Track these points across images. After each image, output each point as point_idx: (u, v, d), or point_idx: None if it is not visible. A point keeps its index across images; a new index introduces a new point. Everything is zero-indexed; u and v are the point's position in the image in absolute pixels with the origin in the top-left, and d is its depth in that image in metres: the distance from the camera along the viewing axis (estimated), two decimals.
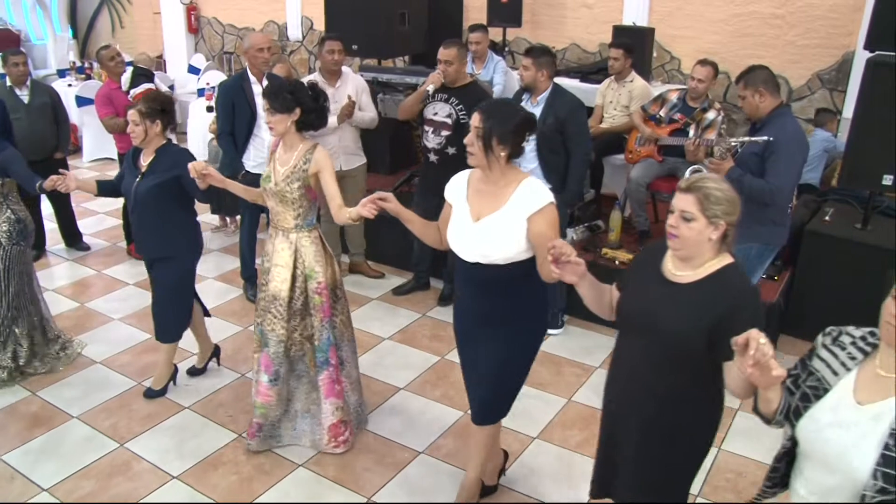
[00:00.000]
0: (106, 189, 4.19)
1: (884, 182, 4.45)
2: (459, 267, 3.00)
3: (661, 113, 5.35)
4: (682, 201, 2.29)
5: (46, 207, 6.21)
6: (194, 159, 3.74)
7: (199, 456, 3.79)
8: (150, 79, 6.35)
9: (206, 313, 4.50)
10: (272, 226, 3.65)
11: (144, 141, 3.90)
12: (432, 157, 5.03)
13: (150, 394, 4.27)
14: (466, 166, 4.94)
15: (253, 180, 4.94)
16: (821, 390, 2.01)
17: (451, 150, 4.95)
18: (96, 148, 8.97)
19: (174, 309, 4.17)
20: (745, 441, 3.92)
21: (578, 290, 2.56)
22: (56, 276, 5.92)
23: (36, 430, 3.97)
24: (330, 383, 3.71)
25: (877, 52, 4.62)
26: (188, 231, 4.13)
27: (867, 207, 4.75)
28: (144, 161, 3.95)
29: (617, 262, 5.06)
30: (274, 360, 3.65)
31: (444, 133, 4.95)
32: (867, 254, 4.59)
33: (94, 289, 5.66)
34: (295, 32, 9.83)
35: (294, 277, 3.57)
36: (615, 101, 5.88)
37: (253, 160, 5.17)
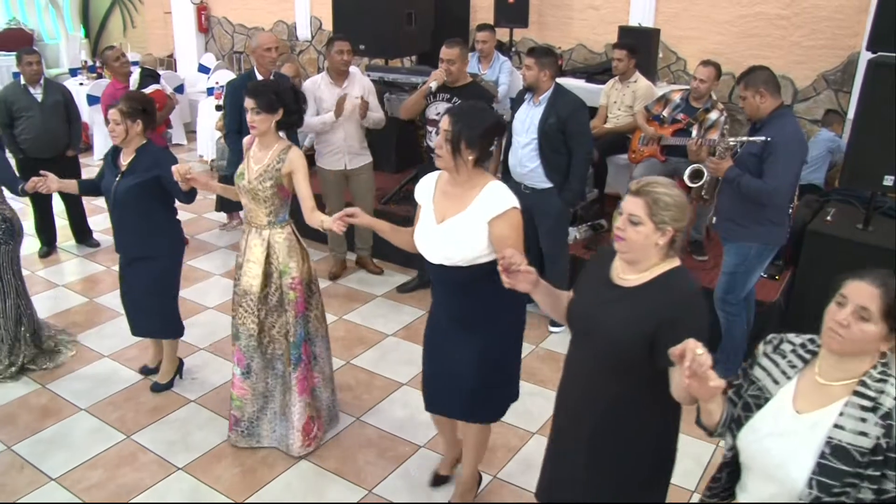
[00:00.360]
0: (87, 188, 4.22)
1: (885, 182, 4.47)
2: (428, 267, 3.02)
3: (665, 113, 5.39)
4: (631, 204, 2.24)
5: (58, 205, 6.31)
6: (175, 159, 3.77)
7: (204, 448, 3.86)
8: (157, 79, 6.45)
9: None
10: (246, 222, 3.70)
11: (125, 140, 3.93)
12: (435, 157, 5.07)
13: (157, 387, 4.34)
14: None
15: None
16: (762, 399, 2.02)
17: None
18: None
19: (160, 307, 4.18)
20: None
21: (534, 297, 2.52)
22: (66, 271, 6.01)
23: (45, 422, 4.05)
24: (301, 380, 3.74)
25: (879, 54, 4.64)
26: (168, 231, 4.14)
27: (868, 208, 4.77)
28: (124, 160, 3.97)
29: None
30: (245, 354, 3.69)
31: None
32: (868, 254, 4.60)
33: (103, 284, 5.74)
34: (304, 32, 9.91)
35: (268, 273, 3.61)
36: (619, 102, 5.92)
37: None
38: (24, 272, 5.83)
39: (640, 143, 5.47)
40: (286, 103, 3.49)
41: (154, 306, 4.17)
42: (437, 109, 5.01)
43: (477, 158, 2.83)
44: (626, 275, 2.32)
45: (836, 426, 1.84)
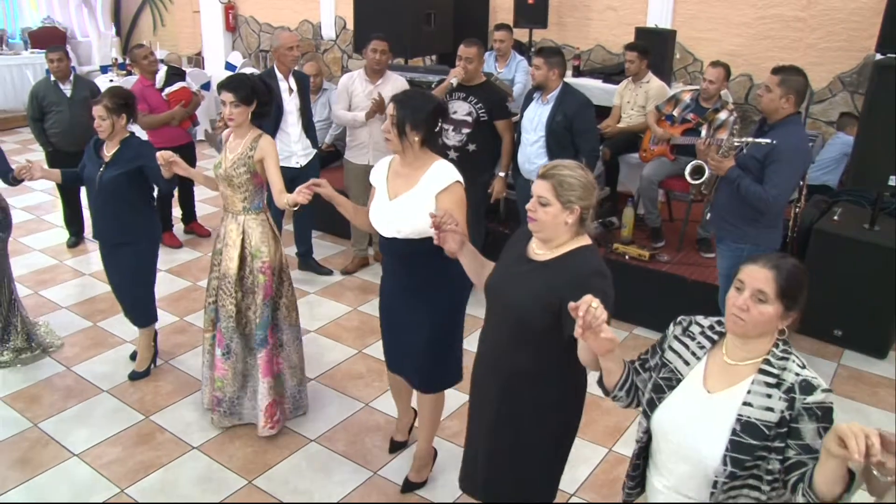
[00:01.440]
0: (69, 178, 4.43)
1: (890, 182, 4.53)
2: (381, 241, 3.29)
3: (675, 113, 5.47)
4: (539, 187, 2.41)
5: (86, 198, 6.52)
6: (155, 151, 3.98)
7: (218, 429, 4.02)
8: (183, 77, 6.60)
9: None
10: (224, 209, 3.91)
11: (111, 134, 4.15)
12: (452, 155, 5.19)
13: (134, 376, 4.49)
14: (486, 162, 5.18)
15: None
16: (674, 381, 2.10)
17: (471, 147, 5.12)
18: None
19: (141, 293, 4.40)
20: None
21: (460, 259, 2.75)
22: (93, 261, 6.21)
23: (69, 402, 4.24)
24: (266, 363, 3.89)
25: (887, 55, 4.70)
26: (147, 218, 4.35)
27: (874, 208, 4.82)
28: (108, 152, 4.18)
29: (627, 258, 5.20)
30: (225, 335, 3.87)
31: (465, 131, 5.12)
32: (874, 253, 4.66)
33: None
34: (329, 31, 10.09)
35: (242, 257, 3.81)
36: (632, 102, 6.01)
37: (279, 154, 5.37)
38: (53, 261, 6.11)
39: (651, 143, 5.56)
40: (260, 96, 3.74)
41: (133, 291, 4.38)
42: (454, 108, 5.13)
43: (423, 139, 3.10)
44: (539, 250, 2.49)
45: (744, 403, 1.95)
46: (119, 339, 4.89)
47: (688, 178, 4.50)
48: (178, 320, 5.17)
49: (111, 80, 9.66)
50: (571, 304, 1.95)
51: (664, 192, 5.86)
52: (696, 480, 2.01)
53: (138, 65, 6.21)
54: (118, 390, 4.36)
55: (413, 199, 3.11)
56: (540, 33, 8.07)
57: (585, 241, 2.47)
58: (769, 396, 1.93)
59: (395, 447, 3.91)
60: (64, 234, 6.56)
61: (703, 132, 5.13)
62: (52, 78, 6.05)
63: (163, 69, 6.41)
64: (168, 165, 3.79)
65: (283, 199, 3.64)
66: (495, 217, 6.05)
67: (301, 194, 3.31)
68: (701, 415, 2.00)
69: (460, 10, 7.48)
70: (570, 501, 3.56)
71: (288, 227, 6.03)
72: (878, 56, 4.86)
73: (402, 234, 3.14)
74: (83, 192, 6.28)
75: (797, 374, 1.93)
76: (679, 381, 2.09)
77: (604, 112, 6.21)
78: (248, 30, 11.01)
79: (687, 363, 2.11)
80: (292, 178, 4.85)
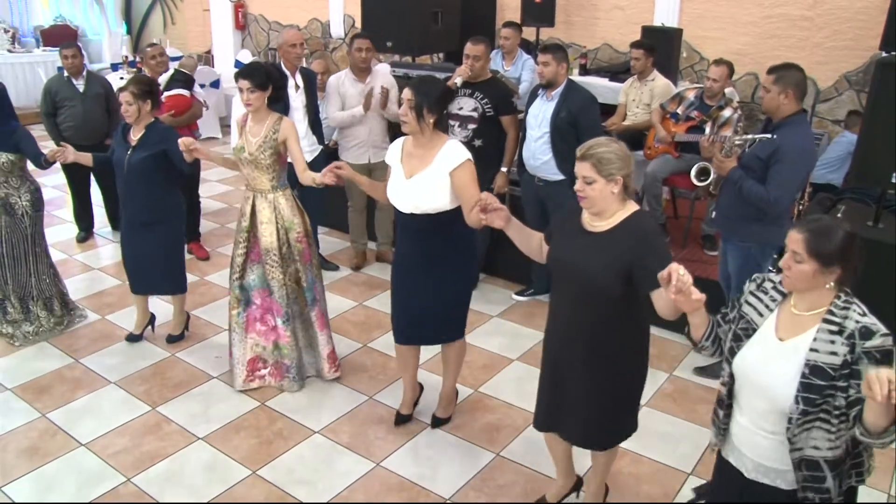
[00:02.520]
0: (100, 162, 4.70)
1: (893, 180, 4.52)
2: (398, 217, 3.61)
3: (679, 110, 5.50)
4: (581, 168, 2.68)
5: (96, 194, 6.58)
6: (179, 136, 4.21)
7: (224, 420, 4.07)
8: (189, 86, 6.34)
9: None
10: (249, 189, 4.16)
11: (138, 119, 4.37)
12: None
13: (172, 339, 4.87)
14: (492, 158, 5.21)
15: None
16: (750, 331, 2.36)
17: (477, 143, 5.16)
18: None
19: (172, 265, 4.69)
20: None
21: (508, 233, 3.02)
22: (102, 255, 6.30)
23: (78, 393, 4.30)
24: (321, 316, 4.36)
25: (892, 53, 4.70)
26: (172, 197, 4.62)
27: (878, 205, 4.82)
28: (134, 136, 4.42)
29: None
30: (282, 303, 4.20)
31: (471, 126, 5.16)
32: (878, 250, 4.65)
33: None
34: (337, 30, 10.15)
35: (278, 231, 4.08)
36: (637, 100, 6.03)
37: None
38: (63, 256, 6.18)
39: (655, 140, 5.58)
40: (274, 81, 4.04)
41: (167, 265, 4.63)
42: (460, 104, 5.17)
43: (436, 120, 3.41)
44: (594, 223, 2.76)
45: (811, 349, 2.18)
46: (127, 331, 4.94)
47: (694, 180, 4.52)
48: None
49: (121, 78, 9.70)
50: (661, 274, 2.26)
51: (668, 189, 5.89)
52: (774, 416, 2.27)
53: (146, 63, 6.18)
54: (126, 382, 4.42)
55: (429, 177, 3.42)
56: (547, 32, 8.10)
57: (634, 207, 2.75)
58: (833, 342, 2.16)
59: (401, 420, 4.08)
60: (74, 230, 6.64)
61: (707, 129, 5.16)
62: (66, 74, 6.12)
63: (167, 73, 6.27)
64: (189, 152, 4.04)
65: (307, 176, 3.97)
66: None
67: (327, 176, 3.64)
68: (774, 359, 2.26)
69: (468, 8, 7.51)
70: (576, 502, 3.59)
71: None
72: (883, 54, 4.85)
73: (420, 209, 3.45)
74: (93, 187, 6.43)
75: (857, 322, 2.15)
76: (755, 330, 2.35)
77: (610, 110, 6.23)
78: (258, 28, 11.08)
79: (761, 314, 2.36)
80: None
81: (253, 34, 11.18)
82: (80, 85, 6.12)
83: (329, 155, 6.42)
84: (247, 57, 10.73)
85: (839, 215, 4.95)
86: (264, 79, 3.94)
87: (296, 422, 4.08)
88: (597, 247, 2.71)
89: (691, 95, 5.51)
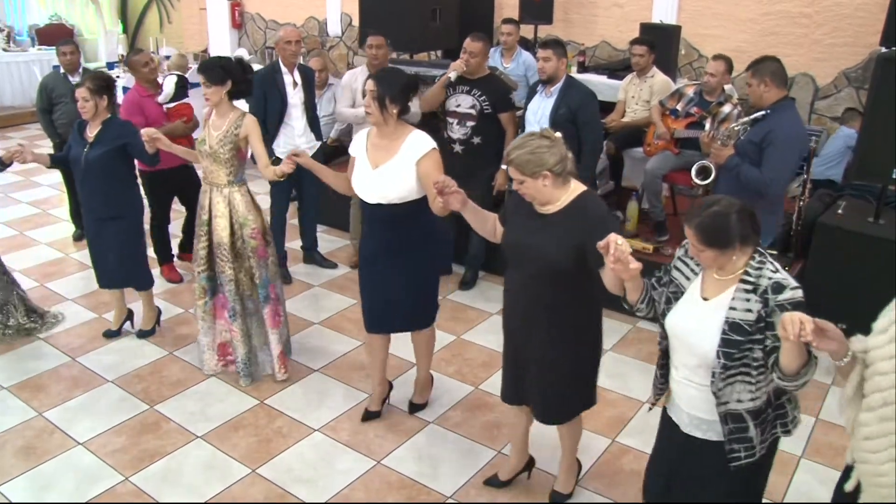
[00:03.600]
0: (57, 161, 4.64)
1: (894, 176, 4.51)
2: (364, 207, 3.64)
3: (679, 107, 5.47)
4: (511, 172, 2.83)
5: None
6: (137, 130, 4.28)
7: (223, 419, 4.04)
8: (186, 91, 5.95)
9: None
10: (206, 183, 4.16)
11: (94, 115, 4.34)
12: (457, 148, 5.21)
13: (142, 334, 4.88)
14: (491, 155, 5.19)
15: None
16: (679, 293, 2.54)
17: (476, 140, 5.14)
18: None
19: (133, 259, 4.66)
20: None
21: (464, 215, 3.15)
22: None
23: (75, 392, 4.27)
24: (273, 315, 4.31)
25: (892, 49, 4.68)
26: (132, 193, 4.62)
27: (879, 201, 4.81)
28: (91, 133, 4.39)
29: (631, 251, 5.18)
30: (230, 298, 4.22)
31: (470, 124, 5.13)
32: (878, 246, 4.65)
33: None
34: (335, 28, 10.12)
35: (231, 225, 4.09)
36: (637, 96, 6.01)
37: (283, 147, 5.40)
38: (59, 254, 6.15)
39: (655, 137, 5.56)
40: (233, 75, 3.99)
41: (127, 260, 4.63)
42: (458, 101, 5.15)
43: (400, 111, 3.45)
44: (544, 208, 2.89)
45: (730, 308, 2.36)
46: (126, 330, 4.91)
47: (695, 179, 4.50)
48: (182, 312, 5.19)
49: (118, 77, 9.69)
50: (600, 244, 2.40)
51: (668, 185, 5.87)
52: (702, 370, 2.45)
53: (137, 72, 5.50)
54: (123, 380, 4.38)
55: (395, 167, 3.46)
56: (545, 29, 8.08)
57: (580, 188, 2.89)
58: (748, 300, 2.33)
59: (369, 416, 4.07)
60: (70, 228, 6.59)
61: (707, 126, 5.13)
62: (62, 70, 6.09)
63: (171, 81, 5.78)
64: (151, 142, 4.08)
65: (269, 172, 4.02)
66: (499, 210, 6.05)
67: (286, 164, 3.75)
68: (699, 318, 2.43)
69: (466, 5, 7.50)
70: (575, 501, 3.57)
71: (293, 221, 6.05)
72: (883, 49, 4.84)
73: (387, 199, 3.48)
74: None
75: (770, 279, 2.32)
76: (683, 292, 2.53)
77: (608, 107, 6.21)
78: (255, 27, 11.05)
79: (688, 278, 2.54)
80: (297, 170, 4.83)
81: (250, 33, 11.14)
82: (75, 82, 6.07)
83: (329, 153, 6.40)
84: (243, 56, 10.69)
85: (839, 211, 4.95)
86: (219, 73, 3.93)
87: (295, 420, 4.05)
88: (549, 227, 2.85)
89: (691, 92, 5.48)
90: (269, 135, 5.39)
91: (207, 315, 4.33)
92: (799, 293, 2.29)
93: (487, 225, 3.19)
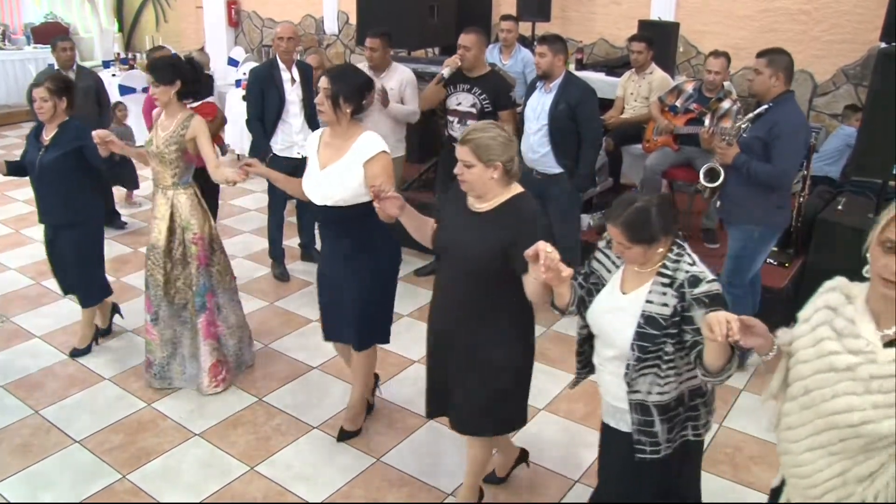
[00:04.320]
0: (13, 168, 4.44)
1: (894, 171, 4.50)
2: (315, 209, 3.51)
3: (678, 103, 5.46)
4: (461, 152, 2.72)
5: None
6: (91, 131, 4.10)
7: (221, 416, 4.01)
8: (211, 89, 6.07)
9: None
10: (154, 184, 4.07)
11: (52, 116, 4.21)
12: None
13: (76, 353, 4.59)
14: None
15: (280, 163, 5.17)
16: (600, 285, 2.56)
17: None
18: (136, 133, 9.27)
19: (86, 273, 4.47)
20: (745, 419, 4.03)
21: (402, 221, 3.04)
22: None
23: (71, 390, 4.24)
24: (206, 326, 4.15)
25: (892, 44, 4.67)
26: (89, 199, 4.40)
27: (879, 197, 4.80)
28: (47, 136, 4.25)
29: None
30: (153, 302, 4.11)
31: (470, 122, 5.07)
32: None
33: (130, 265, 5.94)
34: (331, 26, 10.08)
35: (172, 230, 4.00)
36: (636, 93, 6.00)
37: (280, 144, 5.38)
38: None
39: (654, 133, 5.54)
40: (183, 75, 3.91)
41: (78, 272, 4.44)
42: (458, 99, 5.11)
43: (353, 111, 3.35)
44: (477, 204, 2.82)
45: (647, 301, 2.38)
46: (121, 327, 4.89)
47: (703, 181, 4.47)
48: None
49: (113, 75, 9.66)
50: (528, 252, 2.31)
51: (668, 182, 5.85)
52: (618, 361, 2.48)
53: None
54: (120, 378, 4.35)
55: (342, 168, 3.33)
56: (543, 27, 8.04)
57: (517, 189, 2.82)
58: (664, 294, 2.35)
59: (345, 436, 3.87)
60: None
61: (707, 122, 5.12)
62: (56, 67, 6.06)
63: None
64: (104, 145, 3.92)
65: (220, 174, 3.88)
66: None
67: (236, 173, 3.64)
68: (617, 311, 2.45)
69: (464, 2, 7.48)
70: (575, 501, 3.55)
71: (291, 219, 6.01)
72: (883, 45, 4.83)
73: (332, 201, 3.36)
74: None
75: (686, 272, 2.34)
76: (604, 285, 2.54)
77: (606, 104, 6.19)
78: (251, 25, 11.01)
79: (609, 271, 2.55)
80: (294, 168, 4.81)
81: (246, 31, 11.10)
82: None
83: None
84: (240, 54, 10.66)
85: (839, 207, 4.93)
86: (168, 73, 3.84)
87: (294, 417, 4.02)
88: (477, 227, 2.79)
89: (690, 88, 5.48)
90: (267, 132, 5.37)
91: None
92: (715, 286, 2.31)
93: (427, 230, 3.09)
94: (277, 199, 5.67)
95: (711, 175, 4.39)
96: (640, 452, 2.49)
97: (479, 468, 3.26)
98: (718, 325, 1.92)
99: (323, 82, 3.31)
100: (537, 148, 4.75)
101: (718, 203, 4.40)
